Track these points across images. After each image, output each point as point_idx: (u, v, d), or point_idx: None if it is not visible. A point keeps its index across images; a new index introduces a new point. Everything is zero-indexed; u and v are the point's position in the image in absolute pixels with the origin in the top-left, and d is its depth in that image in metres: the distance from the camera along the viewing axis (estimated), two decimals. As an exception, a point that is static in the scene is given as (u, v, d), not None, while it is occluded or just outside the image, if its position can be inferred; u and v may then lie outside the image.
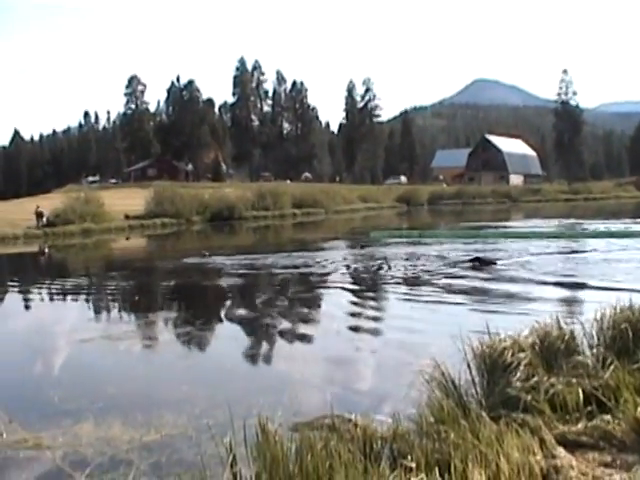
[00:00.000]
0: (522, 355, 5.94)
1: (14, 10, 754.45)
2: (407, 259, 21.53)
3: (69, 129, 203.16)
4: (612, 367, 5.78)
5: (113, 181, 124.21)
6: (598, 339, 6.62)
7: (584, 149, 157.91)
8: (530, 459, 4.28)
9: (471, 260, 19.05)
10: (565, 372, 5.94)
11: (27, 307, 17.12)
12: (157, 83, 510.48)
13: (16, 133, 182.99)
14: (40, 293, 19.18)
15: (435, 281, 16.45)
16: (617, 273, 16.30)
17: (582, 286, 15.09)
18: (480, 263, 18.58)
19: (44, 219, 48.22)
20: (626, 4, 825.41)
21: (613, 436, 4.88)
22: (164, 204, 58.33)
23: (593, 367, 6.02)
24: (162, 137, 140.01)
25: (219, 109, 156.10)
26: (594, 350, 6.45)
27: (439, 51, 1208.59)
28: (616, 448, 4.75)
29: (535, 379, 5.67)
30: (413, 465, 4.27)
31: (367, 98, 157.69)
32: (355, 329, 11.69)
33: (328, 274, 19.09)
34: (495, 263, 18.73)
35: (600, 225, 35.64)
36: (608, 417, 5.11)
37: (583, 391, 5.51)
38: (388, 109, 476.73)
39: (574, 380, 5.71)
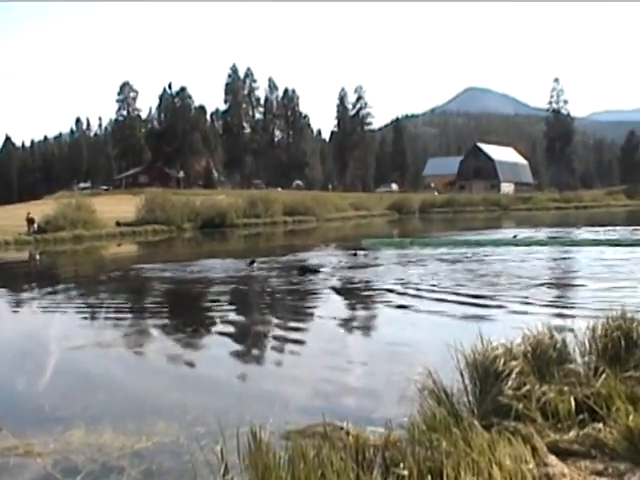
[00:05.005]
0: (514, 363, 5.93)
1: (4, 14, 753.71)
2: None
3: (60, 135, 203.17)
4: (604, 375, 5.78)
5: (104, 188, 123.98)
6: (590, 347, 6.62)
7: (575, 158, 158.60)
8: (522, 467, 4.27)
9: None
10: (557, 380, 5.94)
11: (17, 314, 17.04)
12: (149, 90, 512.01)
13: (7, 139, 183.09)
14: (30, 300, 19.09)
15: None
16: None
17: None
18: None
19: (35, 225, 48.18)
20: (618, 14, 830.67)
21: (605, 444, 4.87)
22: (155, 211, 58.41)
23: (585, 375, 6.03)
24: (154, 144, 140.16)
25: (211, 116, 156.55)
26: (586, 358, 6.46)
27: (431, 59, 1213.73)
28: (608, 456, 4.75)
29: (527, 387, 5.67)
30: (405, 473, 4.26)
31: (359, 106, 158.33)
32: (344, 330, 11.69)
33: (319, 279, 19.10)
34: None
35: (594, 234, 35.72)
36: (600, 425, 5.11)
37: (575, 399, 5.51)
38: (380, 117, 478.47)
39: (566, 388, 5.71)
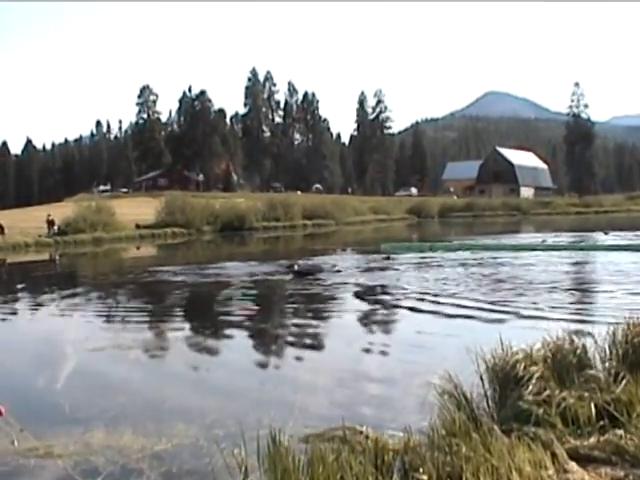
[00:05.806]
0: (534, 368, 5.91)
1: (26, 18, 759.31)
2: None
3: (81, 138, 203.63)
4: (624, 381, 5.74)
5: (124, 190, 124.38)
6: (610, 353, 6.58)
7: (595, 162, 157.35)
8: (542, 473, 4.25)
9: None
10: (577, 386, 5.91)
11: (37, 316, 17.09)
12: (169, 93, 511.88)
13: (28, 142, 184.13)
14: (50, 301, 19.19)
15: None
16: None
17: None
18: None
19: (55, 227, 48.50)
20: (638, 18, 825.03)
21: (626, 451, 4.84)
22: (175, 214, 58.65)
23: (605, 381, 5.98)
24: (173, 147, 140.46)
25: (230, 119, 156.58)
26: (606, 364, 6.42)
27: (450, 63, 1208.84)
28: (629, 463, 4.71)
29: (547, 393, 5.64)
30: (424, 478, 4.26)
31: (378, 110, 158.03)
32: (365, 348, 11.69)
33: (338, 282, 19.10)
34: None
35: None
36: (621, 432, 5.07)
37: (595, 405, 5.47)
38: (399, 121, 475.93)
39: (586, 394, 5.67)
